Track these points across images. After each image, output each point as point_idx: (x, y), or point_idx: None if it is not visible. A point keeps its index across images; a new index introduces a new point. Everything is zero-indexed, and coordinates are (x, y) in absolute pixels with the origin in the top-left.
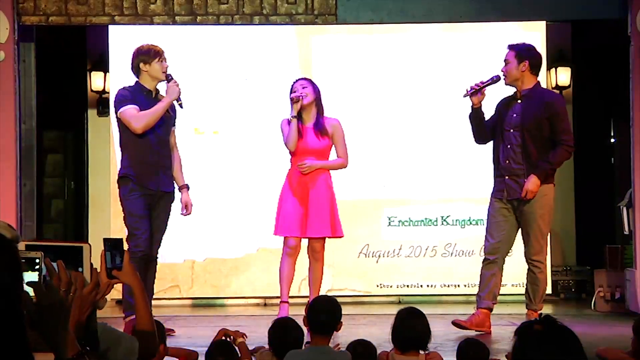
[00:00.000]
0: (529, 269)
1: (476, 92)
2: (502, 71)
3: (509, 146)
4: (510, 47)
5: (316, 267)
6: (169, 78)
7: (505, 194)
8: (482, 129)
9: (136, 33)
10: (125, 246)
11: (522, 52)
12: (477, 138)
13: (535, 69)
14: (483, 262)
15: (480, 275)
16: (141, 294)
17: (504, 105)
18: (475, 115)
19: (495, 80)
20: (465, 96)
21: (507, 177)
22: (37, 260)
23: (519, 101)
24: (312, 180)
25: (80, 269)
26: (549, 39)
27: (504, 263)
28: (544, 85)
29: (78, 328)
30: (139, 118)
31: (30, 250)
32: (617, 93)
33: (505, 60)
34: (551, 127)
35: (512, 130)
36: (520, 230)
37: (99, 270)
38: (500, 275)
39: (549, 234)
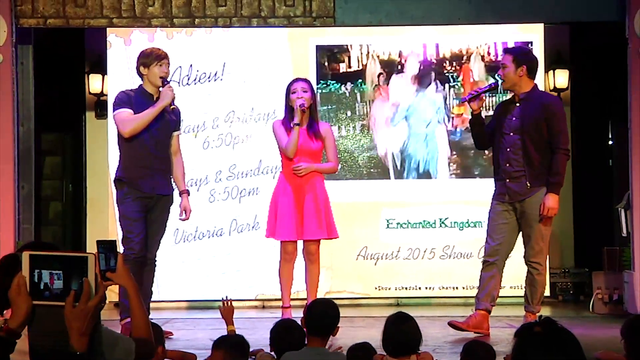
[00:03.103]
0: (528, 271)
1: (474, 97)
2: (499, 75)
3: (508, 149)
4: (507, 51)
5: (312, 269)
6: (164, 82)
7: (507, 197)
8: (482, 134)
9: (134, 35)
10: (121, 249)
11: (520, 57)
12: (478, 144)
13: (532, 73)
14: (483, 264)
15: (480, 277)
16: (136, 296)
17: (503, 109)
18: (476, 121)
19: (493, 86)
20: (463, 102)
21: (507, 180)
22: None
23: (518, 104)
24: (307, 183)
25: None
26: (547, 41)
27: (504, 266)
28: (541, 87)
29: (83, 337)
30: (127, 122)
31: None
32: (614, 95)
33: (502, 65)
34: (548, 128)
35: (512, 134)
36: (521, 232)
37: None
38: (500, 277)
39: (549, 237)
